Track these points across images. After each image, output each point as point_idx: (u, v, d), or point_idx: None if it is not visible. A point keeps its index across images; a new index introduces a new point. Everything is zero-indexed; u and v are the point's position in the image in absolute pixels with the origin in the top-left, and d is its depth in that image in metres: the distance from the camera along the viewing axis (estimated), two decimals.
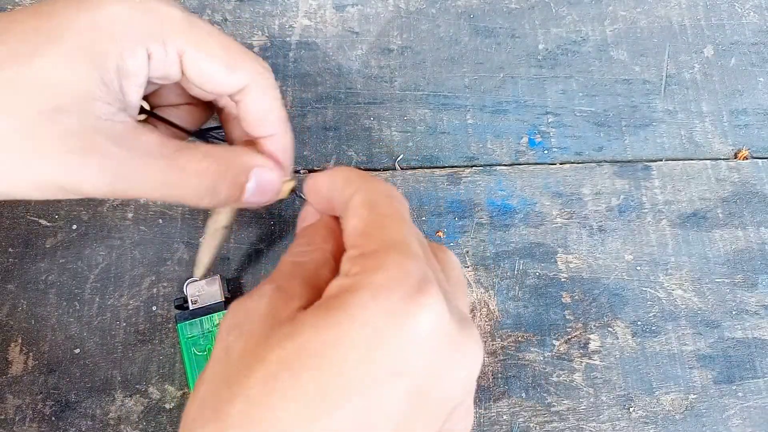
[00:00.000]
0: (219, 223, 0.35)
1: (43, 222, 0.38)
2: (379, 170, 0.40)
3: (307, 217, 0.27)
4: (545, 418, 0.36)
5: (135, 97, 0.26)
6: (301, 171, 0.40)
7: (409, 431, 0.19)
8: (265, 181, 0.27)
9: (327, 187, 0.24)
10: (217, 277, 0.36)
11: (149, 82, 0.26)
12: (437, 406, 0.20)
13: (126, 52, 0.24)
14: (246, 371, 0.19)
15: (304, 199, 0.27)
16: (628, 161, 0.41)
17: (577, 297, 0.38)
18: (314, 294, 0.21)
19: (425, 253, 0.21)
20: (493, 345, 0.37)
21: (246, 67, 0.27)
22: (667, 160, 0.41)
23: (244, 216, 0.39)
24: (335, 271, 0.22)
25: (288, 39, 0.43)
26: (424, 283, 0.19)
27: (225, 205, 0.28)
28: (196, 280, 0.36)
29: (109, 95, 0.24)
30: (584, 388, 0.36)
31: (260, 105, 0.28)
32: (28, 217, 0.38)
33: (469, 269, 0.38)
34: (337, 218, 0.25)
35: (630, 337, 0.37)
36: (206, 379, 0.20)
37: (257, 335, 0.19)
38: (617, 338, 0.37)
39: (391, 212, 0.21)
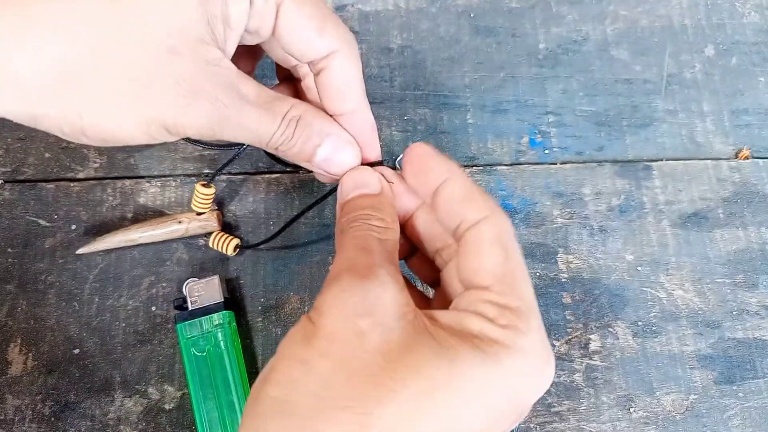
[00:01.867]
0: (178, 230, 0.36)
1: (43, 222, 0.38)
2: None
3: (367, 184, 0.26)
4: (546, 419, 0.36)
5: (232, 46, 0.25)
6: (301, 171, 0.40)
7: None
8: (336, 151, 0.27)
9: (438, 180, 0.24)
10: (216, 277, 0.36)
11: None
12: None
13: (231, 1, 0.24)
14: (396, 377, 0.20)
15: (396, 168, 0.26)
16: (629, 161, 0.41)
17: (577, 297, 0.38)
18: (401, 277, 0.23)
19: None
20: None
21: (337, 33, 0.26)
22: (668, 159, 0.41)
23: (244, 216, 0.39)
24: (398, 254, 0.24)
25: None
26: (550, 354, 0.22)
27: (297, 160, 0.27)
28: (196, 281, 0.36)
29: (215, 40, 0.24)
30: (585, 389, 0.36)
31: (344, 75, 0.27)
32: (28, 217, 0.38)
33: None
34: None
35: (630, 338, 0.37)
36: (330, 356, 0.20)
37: (396, 335, 0.20)
38: (618, 339, 0.37)
39: (521, 262, 0.23)
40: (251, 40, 0.26)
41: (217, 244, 0.37)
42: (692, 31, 0.44)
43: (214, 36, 0.23)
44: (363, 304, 0.21)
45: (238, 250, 0.37)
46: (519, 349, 0.21)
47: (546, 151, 0.41)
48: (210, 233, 0.37)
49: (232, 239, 0.37)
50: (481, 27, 0.44)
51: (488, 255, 0.23)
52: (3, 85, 0.22)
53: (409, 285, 0.27)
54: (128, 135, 0.24)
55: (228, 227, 0.39)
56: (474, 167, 0.40)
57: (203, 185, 0.35)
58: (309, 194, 0.39)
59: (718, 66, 0.43)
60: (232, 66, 0.24)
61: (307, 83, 0.29)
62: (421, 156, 0.25)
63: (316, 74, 0.27)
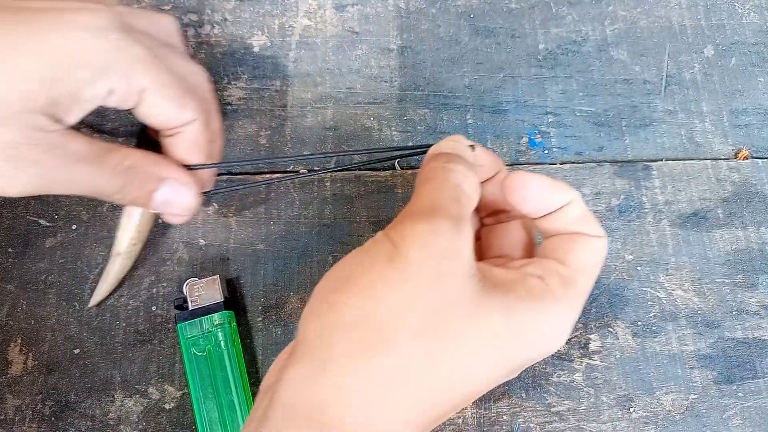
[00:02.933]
0: (117, 247, 0.35)
1: (43, 222, 0.38)
2: (379, 170, 0.40)
3: (463, 152, 0.28)
4: (545, 419, 0.36)
5: (77, 117, 0.27)
6: (301, 171, 0.40)
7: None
8: (174, 194, 0.30)
9: (556, 204, 0.26)
10: (217, 277, 0.36)
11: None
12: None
13: (87, 84, 0.26)
14: (464, 327, 0.22)
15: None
16: (629, 161, 0.41)
17: None
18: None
19: None
20: None
21: (195, 106, 0.30)
22: (667, 160, 0.41)
23: (244, 216, 0.39)
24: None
25: (288, 39, 0.43)
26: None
27: (136, 204, 0.31)
28: (196, 280, 0.36)
29: (52, 111, 0.25)
30: (584, 389, 0.36)
31: (193, 142, 0.31)
32: (28, 217, 0.38)
33: None
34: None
35: (630, 338, 0.37)
36: (412, 285, 0.22)
37: (470, 289, 0.22)
38: (617, 338, 0.37)
39: (596, 275, 0.27)
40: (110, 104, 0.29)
41: None
42: (691, 32, 0.44)
43: (56, 109, 0.25)
44: (449, 250, 0.22)
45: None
46: (571, 309, 0.25)
47: (545, 152, 0.41)
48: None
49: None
50: (480, 28, 0.44)
51: (587, 256, 0.26)
52: None
53: None
54: None
55: (227, 228, 0.39)
56: None
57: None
58: (309, 194, 0.39)
59: (717, 66, 0.43)
60: (61, 128, 0.26)
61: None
62: (539, 182, 0.26)
63: (170, 135, 0.31)
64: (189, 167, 0.31)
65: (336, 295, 0.22)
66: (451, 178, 0.25)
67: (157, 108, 0.29)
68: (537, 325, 0.23)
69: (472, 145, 0.29)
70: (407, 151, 0.33)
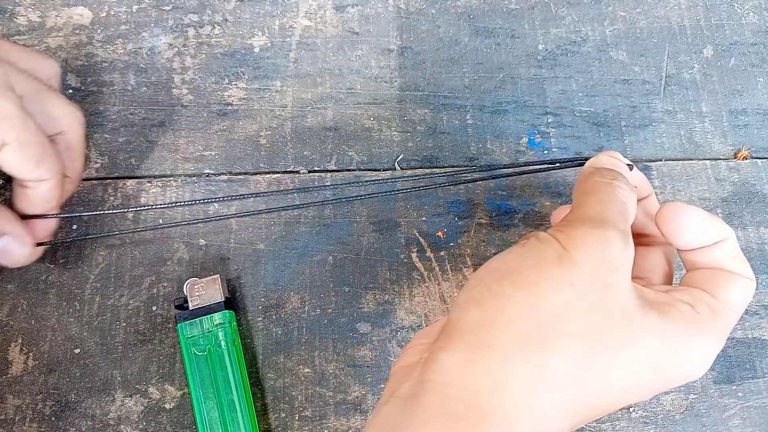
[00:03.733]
0: None
1: None
2: (379, 170, 0.40)
3: (622, 168, 0.28)
4: None
5: None
6: (301, 171, 0.40)
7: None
8: (8, 246, 0.33)
9: (721, 236, 0.26)
10: (217, 276, 0.36)
11: None
12: None
13: None
14: (623, 338, 0.22)
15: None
16: None
17: None
18: None
19: None
20: None
21: (51, 165, 0.32)
22: (666, 160, 0.41)
23: (245, 216, 0.39)
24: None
25: (288, 39, 0.43)
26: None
27: None
28: (197, 280, 0.36)
29: None
30: None
31: (44, 197, 0.33)
32: None
33: (469, 269, 0.38)
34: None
35: None
36: (578, 289, 0.22)
37: (631, 305, 0.23)
38: None
39: (741, 311, 0.26)
40: None
41: None
42: (691, 32, 0.44)
43: None
44: (617, 261, 0.23)
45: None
46: (716, 336, 0.25)
47: (545, 152, 0.41)
48: None
49: None
50: (480, 28, 0.44)
51: (736, 293, 0.26)
52: None
53: None
54: None
55: (228, 228, 0.39)
56: (475, 169, 0.40)
57: None
58: (309, 194, 0.39)
59: (716, 67, 0.44)
60: None
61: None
62: (696, 216, 0.27)
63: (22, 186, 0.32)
64: (26, 217, 0.33)
65: (500, 286, 0.23)
66: (617, 194, 0.25)
67: (13, 163, 0.30)
68: (687, 350, 0.24)
69: (630, 165, 0.29)
70: (563, 164, 0.33)
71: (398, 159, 0.41)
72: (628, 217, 0.25)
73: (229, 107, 0.41)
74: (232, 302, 0.37)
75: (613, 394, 0.23)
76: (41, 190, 0.32)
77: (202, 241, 0.38)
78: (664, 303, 0.24)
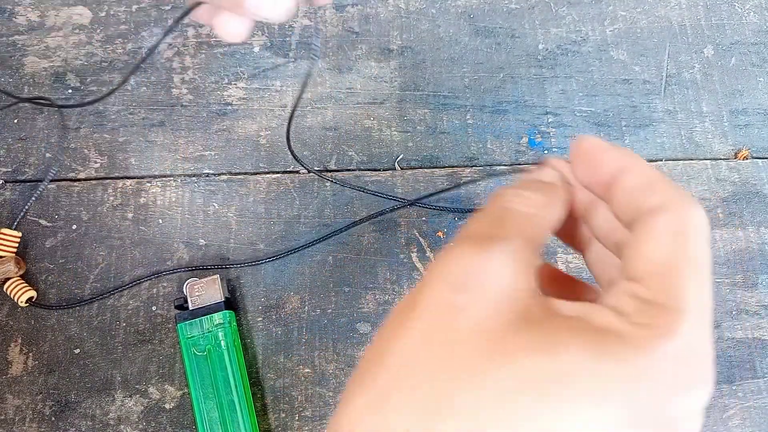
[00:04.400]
0: None
1: (43, 222, 0.38)
2: (379, 170, 0.40)
3: (544, 173, 0.23)
4: None
5: None
6: (301, 171, 0.40)
7: None
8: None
9: (621, 167, 0.20)
10: (217, 277, 0.36)
11: None
12: None
13: None
14: (479, 363, 0.17)
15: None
16: None
17: None
18: (538, 260, 0.20)
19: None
20: None
21: None
22: (667, 160, 0.41)
23: (245, 216, 0.39)
24: (546, 238, 0.21)
25: (288, 39, 0.43)
26: (706, 374, 0.17)
27: (232, 7, 0.25)
28: (196, 280, 0.36)
29: None
30: None
31: None
32: (28, 217, 0.38)
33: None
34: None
35: None
36: (424, 325, 0.18)
37: (495, 322, 0.17)
38: None
39: (699, 260, 0.19)
40: None
41: (11, 291, 0.35)
42: (691, 32, 0.44)
43: None
44: (466, 276, 0.18)
45: (28, 303, 0.36)
46: (652, 352, 0.17)
47: (545, 152, 0.41)
48: (7, 279, 0.36)
49: (27, 290, 0.36)
50: (480, 28, 0.44)
51: (652, 245, 0.19)
52: None
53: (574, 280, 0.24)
54: None
55: (228, 228, 0.39)
56: (474, 167, 0.40)
57: (10, 228, 0.36)
58: (309, 194, 0.39)
59: (717, 66, 0.43)
60: None
61: None
62: (592, 148, 0.22)
63: None
64: None
65: (375, 338, 0.20)
66: (499, 200, 0.21)
67: None
68: (591, 370, 0.16)
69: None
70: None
71: (398, 159, 0.40)
72: (514, 221, 0.20)
73: (229, 107, 0.41)
74: (232, 302, 0.37)
75: None
76: None
77: (202, 241, 0.38)
78: (576, 315, 0.18)
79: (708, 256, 0.19)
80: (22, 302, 0.35)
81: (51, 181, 0.39)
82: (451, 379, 0.17)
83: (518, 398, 0.16)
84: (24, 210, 0.37)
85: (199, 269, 0.37)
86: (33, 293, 0.36)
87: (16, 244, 0.36)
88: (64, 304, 0.36)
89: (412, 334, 0.18)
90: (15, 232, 0.36)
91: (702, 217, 0.19)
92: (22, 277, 0.36)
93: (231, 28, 0.26)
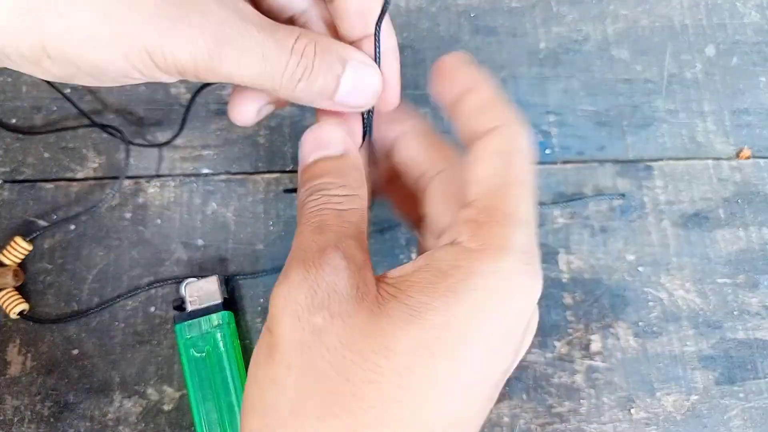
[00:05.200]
0: None
1: (42, 222, 0.38)
2: None
3: (329, 144, 0.23)
4: (546, 420, 0.35)
5: None
6: None
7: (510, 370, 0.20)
8: (362, 76, 0.23)
9: (466, 87, 0.21)
10: (216, 277, 0.36)
11: None
12: (524, 339, 0.21)
13: None
14: (367, 364, 0.17)
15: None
16: (630, 161, 0.41)
17: (578, 298, 0.38)
18: (366, 253, 0.20)
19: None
20: None
21: None
22: (668, 159, 0.41)
23: (243, 216, 0.39)
24: (366, 222, 0.21)
25: None
26: (538, 269, 0.19)
27: (317, 98, 0.23)
28: (195, 281, 0.36)
29: None
30: (585, 390, 0.36)
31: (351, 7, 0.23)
32: (28, 217, 0.38)
33: None
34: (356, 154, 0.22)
35: (631, 338, 0.37)
36: (294, 365, 0.18)
37: (359, 319, 0.18)
38: (619, 339, 0.37)
39: (525, 178, 0.19)
40: None
41: (3, 303, 0.35)
42: (693, 31, 0.44)
43: None
44: (314, 297, 0.18)
45: (19, 316, 0.35)
46: (495, 271, 0.18)
47: (547, 151, 0.41)
48: (1, 289, 0.35)
49: (19, 302, 0.35)
50: (481, 26, 0.44)
51: (483, 165, 0.19)
52: None
53: None
54: (99, 59, 0.19)
55: (226, 228, 0.38)
56: None
57: (24, 240, 0.36)
58: None
59: (718, 66, 0.43)
60: None
61: (307, 21, 0.26)
62: (450, 66, 0.22)
63: (330, 1, 0.24)
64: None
65: (242, 420, 0.19)
66: (310, 206, 0.21)
67: None
68: (456, 313, 0.18)
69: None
70: None
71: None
72: (327, 222, 0.20)
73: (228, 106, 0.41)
74: (230, 303, 0.36)
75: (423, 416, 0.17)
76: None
77: (201, 241, 0.38)
78: (420, 268, 0.19)
79: (532, 175, 0.20)
80: (14, 314, 0.35)
81: (50, 180, 0.39)
82: (347, 396, 0.17)
83: (410, 373, 0.17)
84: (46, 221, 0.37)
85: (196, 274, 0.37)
86: (25, 306, 0.35)
87: (23, 256, 0.36)
88: (55, 317, 0.36)
89: (295, 372, 0.18)
90: (26, 245, 0.36)
91: (526, 137, 0.20)
92: (17, 289, 0.36)
93: (243, 113, 0.25)
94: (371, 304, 0.18)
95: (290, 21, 0.25)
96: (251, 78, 0.21)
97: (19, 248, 0.36)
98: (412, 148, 0.24)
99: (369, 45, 0.23)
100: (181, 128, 0.39)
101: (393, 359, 0.17)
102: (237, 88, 0.25)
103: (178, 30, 0.19)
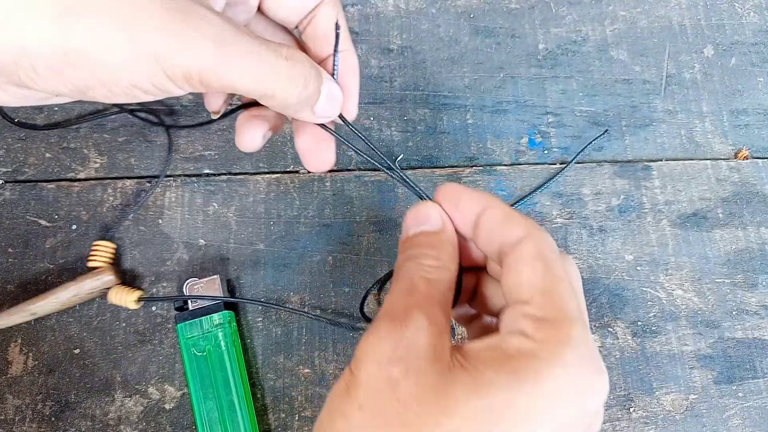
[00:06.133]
0: (35, 309, 0.35)
1: (43, 222, 0.38)
2: (379, 170, 0.40)
3: (428, 219, 0.25)
4: None
5: (220, 6, 0.24)
6: (301, 171, 0.40)
7: None
8: (333, 88, 0.26)
9: (476, 210, 0.24)
10: (216, 277, 0.36)
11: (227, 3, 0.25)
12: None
13: None
14: (429, 421, 0.19)
15: (422, 195, 0.26)
16: (629, 161, 0.41)
17: None
18: (449, 319, 0.22)
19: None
20: None
21: None
22: (667, 160, 0.41)
23: (244, 216, 0.39)
24: (453, 294, 0.23)
25: None
26: (601, 365, 0.21)
27: (303, 107, 0.25)
28: (196, 281, 0.36)
29: None
30: None
31: (331, 17, 0.27)
32: (29, 217, 0.38)
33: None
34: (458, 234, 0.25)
35: (630, 338, 0.37)
36: (365, 406, 0.20)
37: (431, 379, 0.20)
38: (617, 338, 0.37)
39: (564, 276, 0.22)
40: (239, 15, 0.26)
41: (118, 299, 0.36)
42: (691, 32, 0.44)
43: None
44: (396, 350, 0.20)
45: (142, 303, 0.36)
46: (558, 361, 0.20)
47: (545, 152, 0.41)
48: (108, 289, 0.36)
49: (133, 291, 0.36)
50: (480, 28, 0.44)
51: (527, 269, 0.22)
52: None
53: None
54: (116, 64, 0.20)
55: (227, 228, 0.39)
56: (474, 167, 0.40)
57: (106, 240, 0.37)
58: (309, 194, 0.39)
59: (717, 66, 0.43)
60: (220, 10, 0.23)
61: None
62: (455, 191, 0.24)
63: (303, 31, 0.27)
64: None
65: None
66: (404, 272, 0.23)
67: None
68: (518, 394, 0.19)
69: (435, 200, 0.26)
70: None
71: (398, 159, 0.40)
72: (421, 288, 0.22)
73: (229, 107, 0.41)
74: (231, 302, 0.36)
75: None
76: (323, 13, 0.27)
77: (202, 241, 0.38)
78: (489, 349, 0.21)
79: (565, 272, 0.22)
80: (131, 304, 0.35)
81: (51, 181, 0.39)
82: (409, 429, 0.19)
83: (474, 428, 0.19)
84: (129, 215, 0.37)
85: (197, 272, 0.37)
86: (140, 293, 0.36)
87: (113, 254, 0.37)
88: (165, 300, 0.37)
89: (365, 413, 0.20)
90: (110, 243, 0.37)
91: (552, 241, 0.23)
92: (120, 284, 0.36)
93: (252, 140, 0.27)
94: (444, 368, 0.20)
95: None
96: (251, 83, 0.22)
97: (105, 248, 0.37)
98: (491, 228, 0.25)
99: (330, 63, 0.27)
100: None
101: (454, 421, 0.19)
102: (242, 118, 0.27)
103: (186, 36, 0.21)
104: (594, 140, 0.41)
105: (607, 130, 0.41)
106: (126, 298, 0.35)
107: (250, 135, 0.27)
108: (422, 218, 0.25)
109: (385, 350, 0.21)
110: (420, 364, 0.20)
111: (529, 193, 0.40)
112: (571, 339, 0.20)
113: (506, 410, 0.19)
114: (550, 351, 0.20)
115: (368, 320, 0.36)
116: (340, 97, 0.26)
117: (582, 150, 0.41)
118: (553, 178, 0.40)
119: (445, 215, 0.25)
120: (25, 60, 0.20)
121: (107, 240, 0.37)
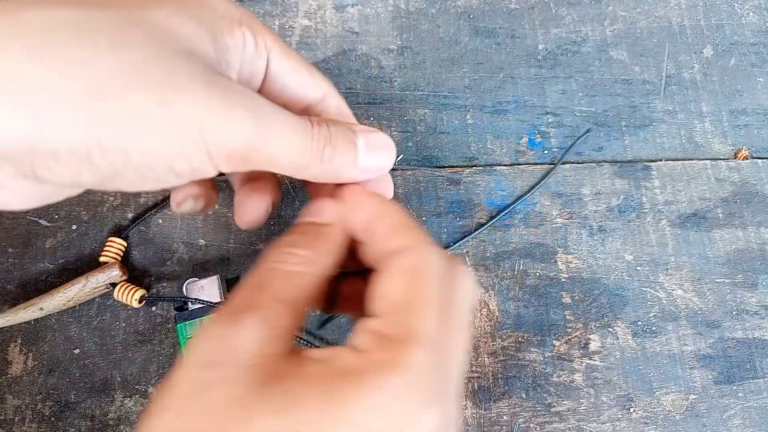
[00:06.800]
0: (44, 304, 0.35)
1: (43, 222, 0.38)
2: None
3: (321, 213, 0.23)
4: (545, 419, 0.36)
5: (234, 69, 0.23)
6: None
7: None
8: (373, 137, 0.23)
9: (376, 213, 0.22)
10: (216, 277, 0.36)
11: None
12: None
13: (226, 29, 0.21)
14: (234, 427, 0.17)
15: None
16: (628, 161, 0.41)
17: (577, 297, 0.38)
18: (298, 320, 0.20)
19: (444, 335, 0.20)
20: (493, 345, 0.37)
21: (322, 76, 0.25)
22: (666, 160, 0.41)
23: None
24: (321, 293, 0.21)
25: (288, 39, 0.43)
26: (435, 399, 0.18)
27: (345, 167, 0.23)
28: (196, 280, 0.36)
29: (219, 60, 0.21)
30: (584, 389, 0.36)
31: (341, 106, 0.25)
32: (28, 217, 0.38)
33: (469, 269, 0.38)
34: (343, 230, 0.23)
35: (630, 338, 0.37)
36: (174, 408, 0.18)
37: (240, 390, 0.18)
38: (617, 338, 0.37)
39: (434, 296, 0.20)
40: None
41: (121, 296, 0.36)
42: (691, 32, 0.44)
43: (218, 58, 0.21)
44: (218, 353, 0.18)
45: (143, 302, 0.36)
46: (380, 385, 0.18)
47: (545, 152, 0.41)
48: (115, 284, 0.36)
49: (136, 290, 0.36)
50: (480, 28, 0.44)
51: (392, 281, 0.20)
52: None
53: None
54: (155, 146, 0.19)
55: (227, 228, 0.39)
56: (474, 167, 0.40)
57: (119, 237, 0.37)
58: (309, 194, 0.39)
59: (716, 66, 0.43)
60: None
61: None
62: (360, 194, 0.23)
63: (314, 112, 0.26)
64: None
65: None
66: (259, 264, 0.21)
67: (289, 74, 0.24)
68: (324, 415, 0.17)
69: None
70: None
71: (398, 159, 0.41)
72: (269, 283, 0.20)
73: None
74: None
75: None
76: (333, 102, 0.26)
77: (202, 241, 0.38)
78: (320, 362, 0.19)
79: (439, 294, 0.20)
80: (134, 303, 0.36)
81: None
82: None
83: None
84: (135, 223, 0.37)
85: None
86: (143, 292, 0.36)
87: (122, 251, 0.37)
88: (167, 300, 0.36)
89: (169, 415, 0.18)
90: (121, 240, 0.37)
91: (438, 258, 0.20)
92: (127, 280, 0.37)
93: (254, 218, 0.25)
94: (262, 378, 0.18)
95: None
96: (289, 157, 0.21)
97: (116, 245, 0.37)
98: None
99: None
100: None
101: (259, 426, 0.17)
102: (240, 194, 0.26)
103: (230, 112, 0.19)
104: (577, 140, 0.41)
105: (589, 130, 0.41)
106: (129, 296, 0.35)
107: (255, 209, 0.25)
108: (315, 211, 0.23)
109: (207, 352, 0.18)
110: (237, 371, 0.18)
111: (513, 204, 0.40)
112: (405, 364, 0.18)
113: (319, 428, 0.17)
114: (376, 373, 0.18)
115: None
116: (388, 144, 0.24)
117: (567, 151, 0.41)
118: (540, 181, 0.40)
119: (342, 213, 0.23)
120: (44, 145, 0.17)
121: (121, 238, 0.38)
